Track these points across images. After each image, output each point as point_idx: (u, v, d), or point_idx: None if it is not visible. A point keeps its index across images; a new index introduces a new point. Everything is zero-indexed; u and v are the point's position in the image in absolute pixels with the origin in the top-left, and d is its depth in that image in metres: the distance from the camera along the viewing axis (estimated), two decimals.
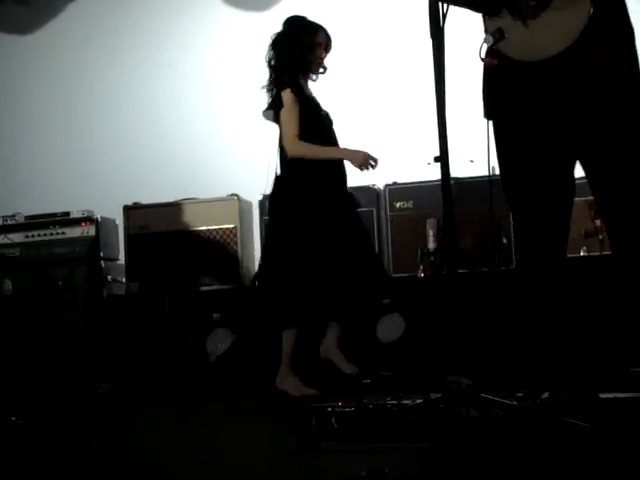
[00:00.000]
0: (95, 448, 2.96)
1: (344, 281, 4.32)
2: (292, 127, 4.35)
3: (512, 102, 2.91)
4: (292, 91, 4.35)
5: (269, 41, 4.48)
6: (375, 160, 4.37)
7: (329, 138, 4.49)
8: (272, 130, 4.47)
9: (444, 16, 2.63)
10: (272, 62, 4.46)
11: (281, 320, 4.39)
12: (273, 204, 4.52)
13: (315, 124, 4.43)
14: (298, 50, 4.42)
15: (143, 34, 6.46)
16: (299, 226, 4.36)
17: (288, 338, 4.36)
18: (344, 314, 4.41)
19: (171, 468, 2.51)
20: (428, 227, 5.03)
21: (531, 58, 2.81)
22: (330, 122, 4.55)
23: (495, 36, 2.83)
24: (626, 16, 2.83)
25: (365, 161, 4.35)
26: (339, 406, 2.85)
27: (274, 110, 4.44)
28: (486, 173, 4.69)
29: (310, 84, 4.51)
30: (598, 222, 4.68)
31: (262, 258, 4.59)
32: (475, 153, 4.75)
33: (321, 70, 4.53)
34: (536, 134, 2.88)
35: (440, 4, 2.61)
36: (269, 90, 4.46)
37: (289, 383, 4.33)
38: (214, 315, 5.17)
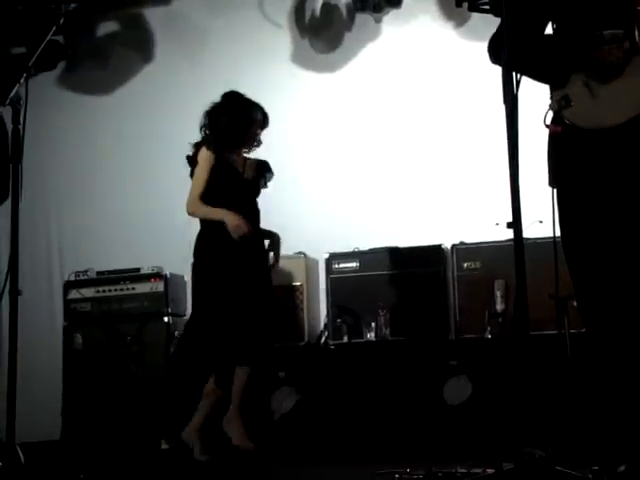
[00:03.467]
0: None
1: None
2: (198, 188, 4.50)
3: (576, 170, 2.86)
4: (208, 149, 4.48)
5: (205, 110, 4.62)
6: (249, 228, 4.46)
7: (238, 204, 4.56)
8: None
9: (517, 83, 2.61)
10: (206, 130, 4.58)
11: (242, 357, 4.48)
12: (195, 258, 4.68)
13: (226, 188, 4.55)
14: (236, 124, 4.54)
15: (215, 93, 6.55)
16: (219, 279, 4.51)
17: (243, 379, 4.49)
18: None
19: None
20: (496, 288, 4.96)
21: (597, 126, 2.78)
22: (253, 189, 4.68)
23: (560, 103, 2.81)
24: None
25: (237, 225, 4.43)
26: (407, 473, 2.79)
27: (191, 167, 4.59)
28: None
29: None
30: None
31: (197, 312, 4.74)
32: (544, 213, 4.72)
33: (255, 144, 4.65)
34: (603, 202, 2.82)
35: (513, 75, 2.59)
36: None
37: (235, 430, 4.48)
38: (279, 373, 5.14)
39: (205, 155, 4.50)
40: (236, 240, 4.45)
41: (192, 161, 4.59)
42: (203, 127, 4.61)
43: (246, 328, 4.45)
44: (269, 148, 4.79)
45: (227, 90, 4.77)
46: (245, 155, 4.75)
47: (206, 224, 4.59)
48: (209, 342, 4.52)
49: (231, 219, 4.44)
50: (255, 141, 4.66)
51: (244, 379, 4.47)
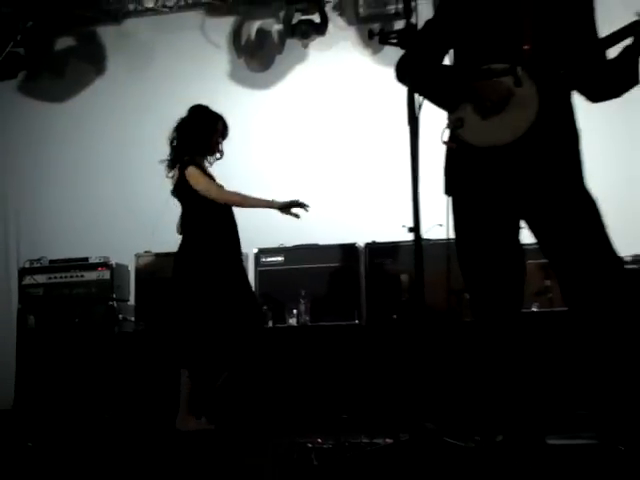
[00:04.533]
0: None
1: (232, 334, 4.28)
2: (209, 185, 4.34)
3: (468, 180, 2.89)
4: (195, 167, 4.34)
5: (174, 124, 4.49)
6: (302, 205, 4.37)
7: (227, 212, 4.43)
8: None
9: (420, 106, 2.64)
10: (174, 142, 4.45)
11: (183, 360, 4.31)
12: (177, 263, 4.49)
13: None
14: (199, 134, 4.42)
15: (158, 104, 6.51)
16: (198, 282, 4.32)
17: (186, 382, 4.29)
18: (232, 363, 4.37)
19: None
20: (401, 281, 5.02)
21: (487, 144, 2.82)
22: None
23: (456, 124, 2.84)
24: (573, 121, 2.85)
25: (290, 206, 4.33)
26: (318, 442, 2.81)
27: (180, 189, 4.40)
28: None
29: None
30: (548, 282, 4.69)
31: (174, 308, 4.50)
32: (444, 217, 4.79)
33: (217, 155, 4.51)
34: (489, 208, 2.86)
35: (416, 96, 2.62)
36: (170, 167, 4.44)
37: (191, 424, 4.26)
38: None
39: (194, 171, 4.33)
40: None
41: (182, 182, 4.36)
42: (172, 139, 4.47)
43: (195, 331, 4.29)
44: None
45: (175, 101, 4.68)
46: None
47: (189, 239, 4.44)
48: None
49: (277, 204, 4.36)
50: (218, 150, 4.51)
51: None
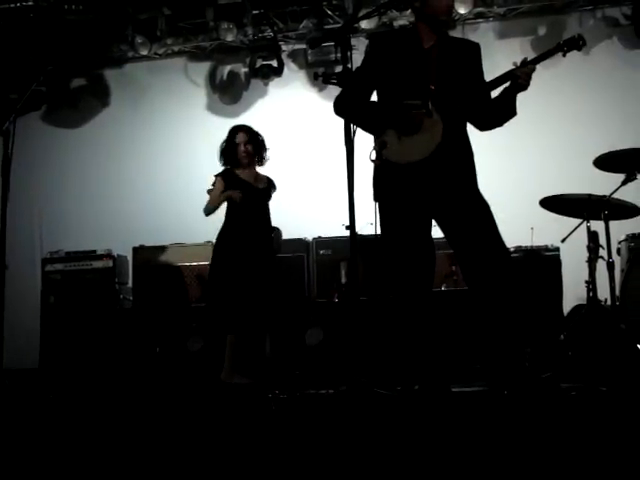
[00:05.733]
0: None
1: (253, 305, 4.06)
2: (211, 200, 4.18)
3: (391, 190, 2.89)
4: (220, 177, 4.19)
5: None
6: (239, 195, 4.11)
7: (253, 207, 4.22)
8: None
9: (354, 132, 2.62)
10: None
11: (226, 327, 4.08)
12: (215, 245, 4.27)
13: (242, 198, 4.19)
14: (224, 151, 4.25)
15: (150, 129, 6.42)
16: (226, 262, 4.11)
17: (230, 344, 4.05)
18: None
19: None
20: (341, 268, 5.01)
21: (404, 161, 2.82)
22: (263, 196, 4.30)
23: (381, 146, 2.84)
24: (468, 143, 2.88)
25: (232, 193, 4.12)
26: (276, 394, 2.76)
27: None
28: None
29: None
30: (454, 268, 4.71)
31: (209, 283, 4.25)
32: (374, 218, 4.76)
33: (245, 161, 4.23)
34: (406, 211, 2.86)
35: (351, 125, 2.61)
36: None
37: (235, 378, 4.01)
38: (193, 324, 5.04)
39: (217, 181, 4.18)
40: (245, 229, 4.10)
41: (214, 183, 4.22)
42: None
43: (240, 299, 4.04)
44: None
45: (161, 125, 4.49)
46: (257, 171, 4.34)
47: (227, 223, 4.20)
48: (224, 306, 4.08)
49: (228, 192, 4.10)
50: (244, 157, 4.19)
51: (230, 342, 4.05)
